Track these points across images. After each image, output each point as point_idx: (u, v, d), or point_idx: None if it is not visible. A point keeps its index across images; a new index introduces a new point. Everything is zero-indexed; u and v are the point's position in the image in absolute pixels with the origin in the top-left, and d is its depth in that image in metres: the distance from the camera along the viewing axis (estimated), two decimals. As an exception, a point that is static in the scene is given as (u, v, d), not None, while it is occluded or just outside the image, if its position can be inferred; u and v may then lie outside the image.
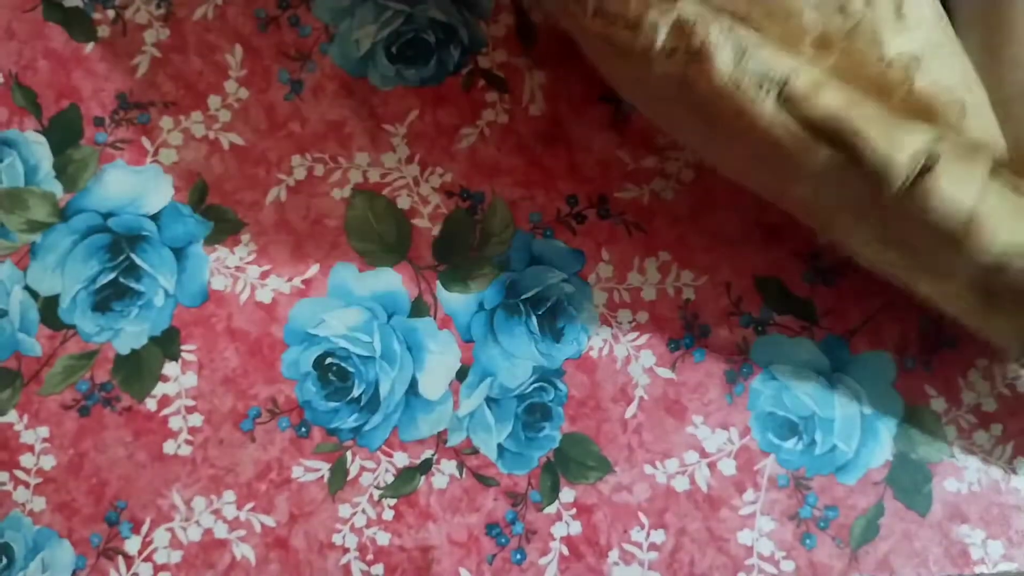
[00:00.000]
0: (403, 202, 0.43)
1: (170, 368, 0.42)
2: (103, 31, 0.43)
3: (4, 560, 0.42)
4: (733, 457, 0.42)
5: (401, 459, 0.42)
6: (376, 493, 0.42)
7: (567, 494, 0.42)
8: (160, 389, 0.42)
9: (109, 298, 0.42)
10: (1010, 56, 0.35)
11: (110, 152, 0.43)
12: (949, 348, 0.42)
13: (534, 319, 0.43)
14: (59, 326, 0.42)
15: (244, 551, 0.42)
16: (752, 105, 0.31)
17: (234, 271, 0.43)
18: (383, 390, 0.42)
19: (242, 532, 0.42)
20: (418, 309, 0.43)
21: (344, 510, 0.42)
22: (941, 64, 0.32)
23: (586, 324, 0.43)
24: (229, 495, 0.42)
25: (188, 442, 0.42)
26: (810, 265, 0.43)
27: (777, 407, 0.42)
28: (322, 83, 0.44)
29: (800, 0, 0.32)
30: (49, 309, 0.42)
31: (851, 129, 0.31)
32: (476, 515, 0.42)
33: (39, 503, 0.42)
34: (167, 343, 0.42)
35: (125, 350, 0.42)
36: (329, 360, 0.42)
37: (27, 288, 0.42)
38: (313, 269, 0.43)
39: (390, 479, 0.42)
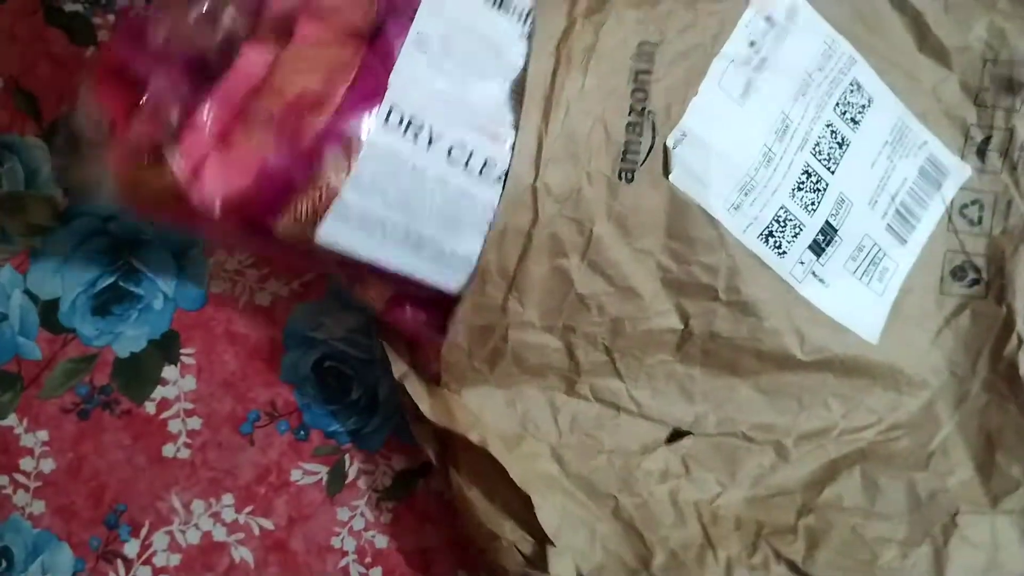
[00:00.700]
0: (402, 206, 0.43)
1: (169, 371, 0.42)
2: (104, 35, 0.43)
3: (4, 563, 0.42)
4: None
5: (399, 462, 0.42)
6: (374, 496, 0.42)
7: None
8: (159, 392, 0.42)
9: (109, 302, 0.42)
10: None
11: (110, 156, 0.43)
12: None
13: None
14: (59, 330, 0.42)
15: (243, 554, 0.42)
16: None
17: (233, 275, 0.43)
18: (381, 393, 0.42)
19: (241, 535, 0.42)
20: (417, 312, 0.43)
21: (343, 513, 0.42)
22: None
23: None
24: (228, 498, 0.42)
25: (187, 445, 0.42)
26: None
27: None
28: (321, 87, 0.44)
29: None
30: (49, 313, 0.42)
31: None
32: (474, 518, 0.42)
33: (39, 506, 0.42)
34: (166, 346, 0.42)
35: (124, 354, 0.42)
36: (328, 363, 0.42)
37: (27, 292, 0.42)
38: (312, 272, 0.43)
39: (388, 482, 0.42)
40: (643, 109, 0.33)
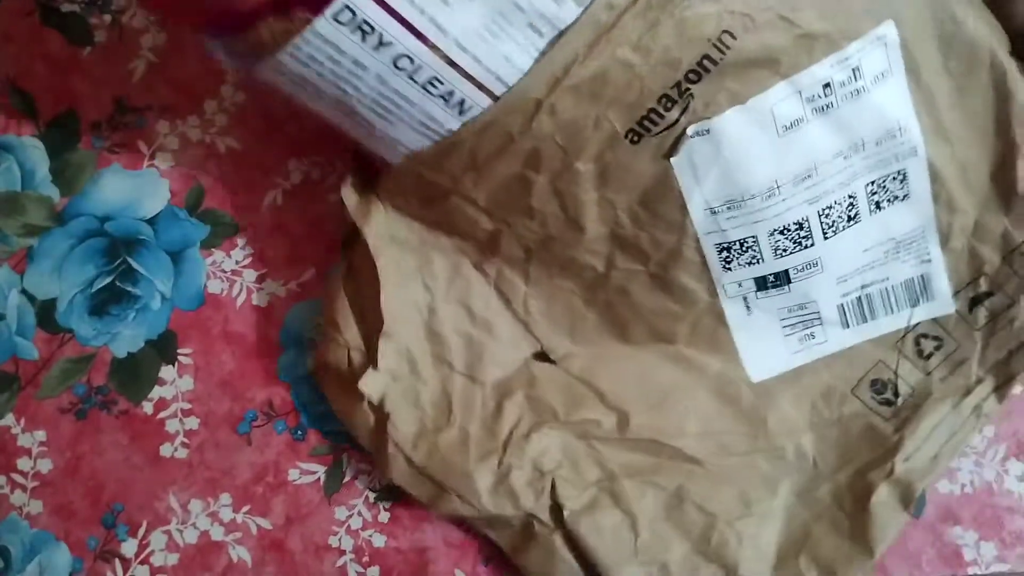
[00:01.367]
0: (399, 206, 0.43)
1: (167, 371, 0.42)
2: (100, 36, 0.43)
3: (1, 563, 0.42)
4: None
5: (397, 462, 0.42)
6: (372, 495, 0.42)
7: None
8: (157, 392, 0.42)
9: (106, 302, 0.42)
10: None
11: (107, 156, 0.43)
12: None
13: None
14: (56, 330, 0.42)
15: (240, 553, 0.42)
16: None
17: (230, 275, 0.43)
18: (379, 393, 0.42)
19: (238, 534, 0.42)
20: (414, 312, 0.43)
21: (340, 512, 0.42)
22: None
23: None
24: (225, 498, 0.42)
25: (184, 445, 0.42)
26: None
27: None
28: (318, 87, 0.44)
29: None
30: (46, 313, 0.42)
31: None
32: (472, 517, 0.42)
33: (36, 506, 0.42)
34: (164, 346, 0.42)
35: (122, 353, 0.42)
36: (325, 363, 0.42)
37: (24, 292, 0.42)
38: (309, 272, 0.43)
39: (386, 482, 0.42)
40: (686, 90, 0.32)
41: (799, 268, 0.36)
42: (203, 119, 0.43)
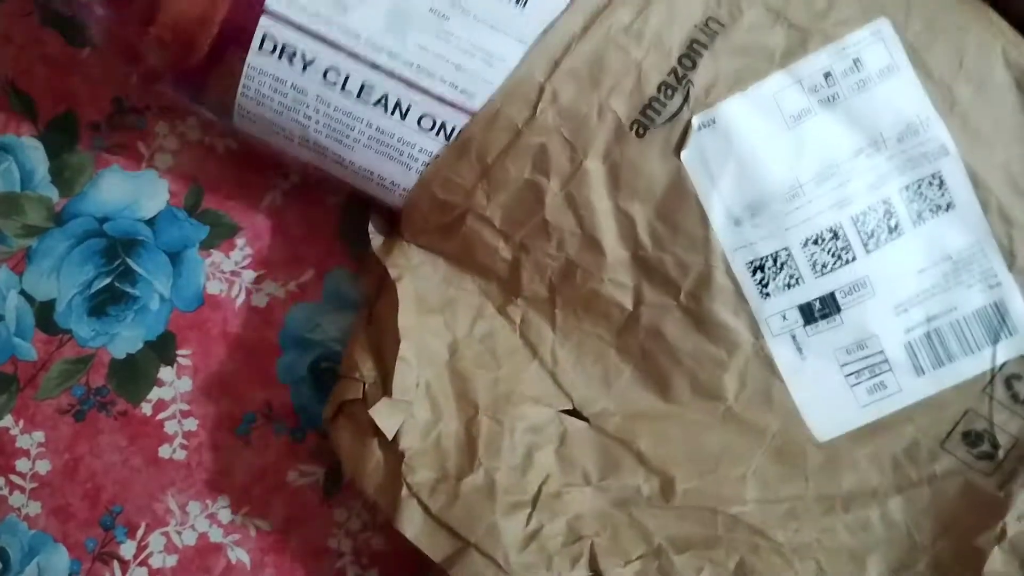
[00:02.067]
0: (398, 206, 0.43)
1: (165, 373, 0.42)
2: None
3: (0, 565, 0.42)
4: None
5: (396, 463, 0.42)
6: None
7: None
8: (155, 394, 0.42)
9: (105, 303, 0.42)
10: None
11: (106, 157, 0.43)
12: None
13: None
14: (55, 331, 0.42)
15: (239, 555, 0.42)
16: None
17: (229, 275, 0.43)
18: (378, 394, 0.42)
19: (237, 536, 0.42)
20: (413, 313, 0.43)
21: (339, 514, 0.42)
22: None
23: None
24: (224, 499, 0.42)
25: (183, 446, 0.42)
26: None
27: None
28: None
29: None
30: (45, 314, 0.42)
31: None
32: (471, 519, 0.42)
33: (34, 508, 0.42)
34: (162, 348, 0.42)
35: (120, 354, 0.42)
36: (324, 365, 0.42)
37: (23, 293, 0.42)
38: (308, 273, 0.43)
39: (385, 483, 0.42)
40: (683, 77, 0.31)
41: (846, 290, 0.33)
42: (202, 120, 0.43)
